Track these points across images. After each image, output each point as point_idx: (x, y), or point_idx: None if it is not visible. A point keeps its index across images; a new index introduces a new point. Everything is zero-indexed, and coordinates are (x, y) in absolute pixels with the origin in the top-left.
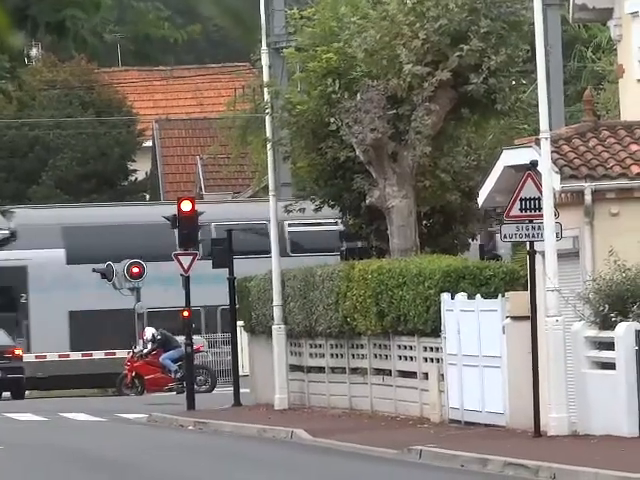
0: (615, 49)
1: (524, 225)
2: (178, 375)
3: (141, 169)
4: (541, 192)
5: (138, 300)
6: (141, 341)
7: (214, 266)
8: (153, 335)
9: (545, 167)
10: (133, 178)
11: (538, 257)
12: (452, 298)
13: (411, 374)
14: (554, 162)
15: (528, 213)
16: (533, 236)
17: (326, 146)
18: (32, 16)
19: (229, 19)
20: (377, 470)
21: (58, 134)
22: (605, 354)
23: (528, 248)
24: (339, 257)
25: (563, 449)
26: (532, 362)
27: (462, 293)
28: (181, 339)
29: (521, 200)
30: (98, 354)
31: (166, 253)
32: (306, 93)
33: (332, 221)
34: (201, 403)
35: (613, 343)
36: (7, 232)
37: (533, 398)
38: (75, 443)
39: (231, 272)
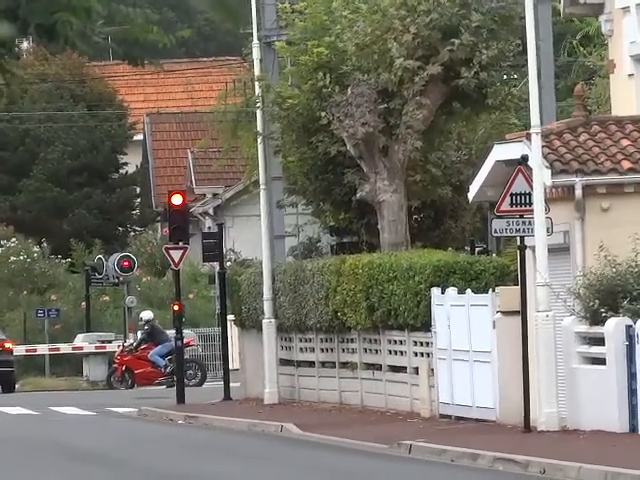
0: (606, 44)
1: (514, 220)
2: (168, 369)
3: (132, 162)
4: (532, 187)
5: (128, 294)
6: (131, 335)
7: (204, 260)
8: (149, 319)
9: (536, 162)
10: (124, 171)
11: (528, 252)
12: (442, 293)
13: (401, 369)
14: (545, 157)
15: (519, 208)
16: (524, 231)
17: (317, 140)
18: (22, 17)
19: (214, 5)
20: (367, 465)
21: (49, 127)
22: (595, 349)
23: (519, 243)
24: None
25: (553, 444)
26: (522, 357)
27: (452, 288)
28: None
29: (512, 195)
30: None
31: None
32: (297, 87)
33: None
34: (191, 397)
35: (603, 338)
36: None
37: (523, 393)
38: (65, 436)
39: (222, 266)
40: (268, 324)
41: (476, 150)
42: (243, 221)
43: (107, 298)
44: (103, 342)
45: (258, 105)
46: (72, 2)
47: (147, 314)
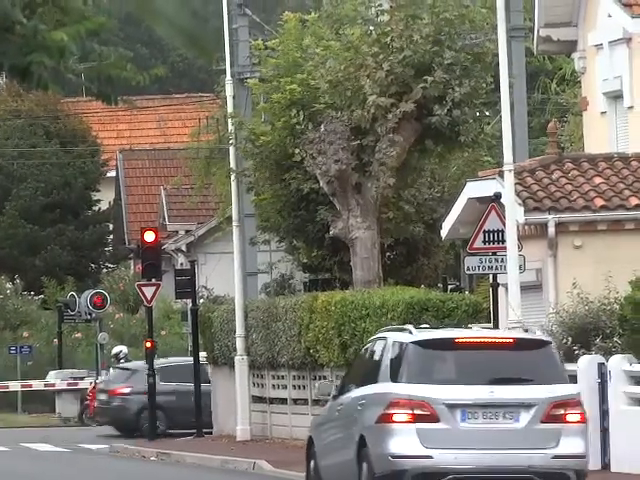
0: (579, 81)
1: (487, 257)
2: None
3: (105, 199)
4: (504, 224)
5: (101, 331)
6: (103, 372)
7: (177, 297)
8: (122, 352)
9: (509, 199)
10: (97, 208)
11: (501, 289)
12: None
13: None
14: (518, 194)
15: (491, 245)
16: (496, 268)
17: (290, 177)
18: None
19: (184, 40)
20: None
21: (22, 164)
22: None
23: (491, 280)
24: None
25: None
26: None
27: (425, 325)
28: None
29: (485, 232)
30: None
31: None
32: (270, 124)
33: None
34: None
35: (576, 376)
36: None
37: None
38: (36, 473)
39: (194, 303)
40: (240, 361)
41: (449, 187)
42: (216, 258)
43: (79, 335)
44: (75, 379)
45: (231, 142)
46: (46, 42)
47: (120, 348)
